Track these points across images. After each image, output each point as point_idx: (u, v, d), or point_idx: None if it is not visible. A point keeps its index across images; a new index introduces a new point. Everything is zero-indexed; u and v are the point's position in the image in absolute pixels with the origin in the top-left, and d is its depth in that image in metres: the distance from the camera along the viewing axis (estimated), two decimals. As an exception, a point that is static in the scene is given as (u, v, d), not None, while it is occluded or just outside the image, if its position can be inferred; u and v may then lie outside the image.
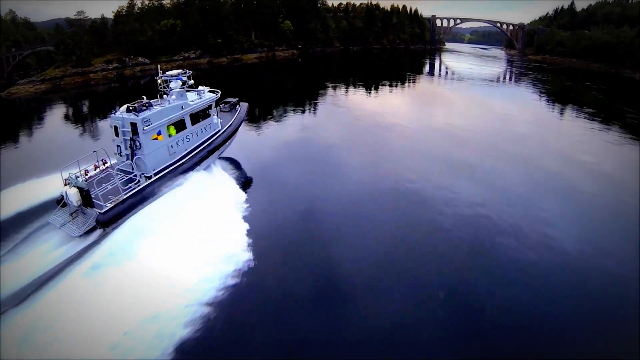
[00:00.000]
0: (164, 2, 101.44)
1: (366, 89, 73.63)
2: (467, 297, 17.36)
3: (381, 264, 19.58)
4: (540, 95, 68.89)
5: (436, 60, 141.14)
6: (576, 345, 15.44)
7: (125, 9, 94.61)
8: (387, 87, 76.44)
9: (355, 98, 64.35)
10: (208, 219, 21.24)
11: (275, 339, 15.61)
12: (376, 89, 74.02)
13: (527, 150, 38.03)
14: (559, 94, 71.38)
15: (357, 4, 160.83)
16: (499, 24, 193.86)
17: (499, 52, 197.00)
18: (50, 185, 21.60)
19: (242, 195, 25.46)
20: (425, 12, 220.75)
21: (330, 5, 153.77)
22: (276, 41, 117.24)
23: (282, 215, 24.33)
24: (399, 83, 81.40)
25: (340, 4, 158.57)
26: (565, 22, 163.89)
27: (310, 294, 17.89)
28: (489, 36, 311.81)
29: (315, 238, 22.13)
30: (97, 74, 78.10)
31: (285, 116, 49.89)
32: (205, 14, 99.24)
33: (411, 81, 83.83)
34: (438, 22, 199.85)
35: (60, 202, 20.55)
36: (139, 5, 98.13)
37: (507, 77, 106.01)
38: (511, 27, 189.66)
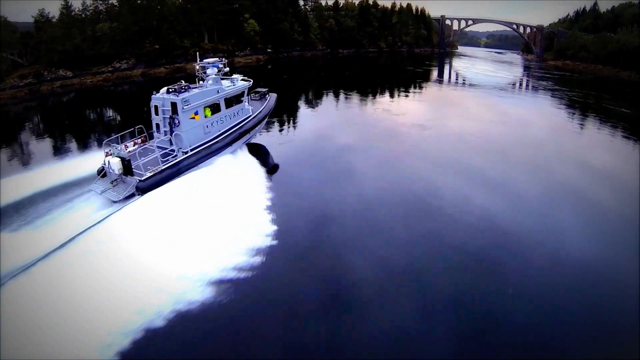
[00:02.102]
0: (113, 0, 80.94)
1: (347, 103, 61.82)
2: (477, 308, 16.64)
3: (392, 271, 18.94)
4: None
5: (439, 66, 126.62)
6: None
7: (58, 11, 76.27)
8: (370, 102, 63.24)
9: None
10: (223, 205, 21.12)
11: (278, 342, 14.91)
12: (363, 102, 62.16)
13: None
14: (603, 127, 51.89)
15: (356, 2, 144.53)
16: (515, 26, 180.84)
17: (515, 57, 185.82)
18: (92, 161, 23.45)
19: (262, 185, 26.00)
20: (434, 12, 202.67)
21: (324, 3, 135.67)
22: (237, 45, 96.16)
23: (293, 214, 23.89)
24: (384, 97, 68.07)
25: (335, 1, 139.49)
26: (588, 24, 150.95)
27: (317, 297, 17.15)
28: (506, 40, 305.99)
29: (325, 239, 21.65)
30: (6, 92, 61.82)
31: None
32: (141, 14, 79.34)
33: (394, 95, 69.52)
34: (448, 23, 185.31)
35: (100, 172, 22.02)
36: (79, 7, 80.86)
37: (523, 86, 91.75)
38: (529, 30, 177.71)
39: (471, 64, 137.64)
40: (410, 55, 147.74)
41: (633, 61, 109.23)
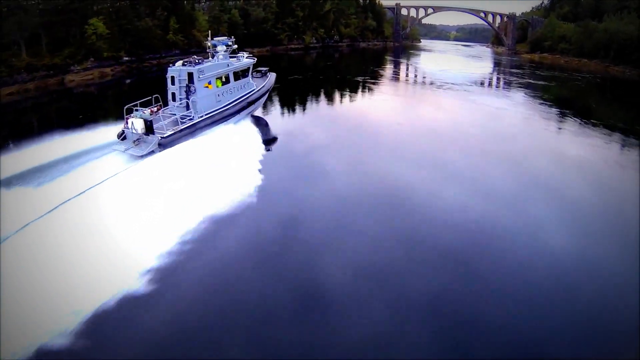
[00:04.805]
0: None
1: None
2: (455, 309, 16.08)
3: (366, 272, 18.28)
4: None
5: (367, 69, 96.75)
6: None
7: None
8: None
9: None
10: (210, 181, 21.53)
11: (249, 342, 14.23)
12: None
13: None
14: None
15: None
16: (482, 14, 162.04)
17: (484, 50, 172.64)
18: (113, 130, 25.23)
19: (254, 160, 26.19)
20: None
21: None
22: (74, 56, 63.94)
23: (267, 212, 22.49)
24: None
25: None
26: (567, 11, 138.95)
27: (288, 300, 16.37)
28: (476, 33, 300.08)
29: (297, 240, 20.58)
30: None
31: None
32: None
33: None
34: (404, 12, 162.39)
35: (120, 136, 24.14)
36: None
37: (491, 88, 71.88)
38: (499, 19, 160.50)
39: (425, 61, 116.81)
40: (354, 52, 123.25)
41: (626, 54, 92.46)
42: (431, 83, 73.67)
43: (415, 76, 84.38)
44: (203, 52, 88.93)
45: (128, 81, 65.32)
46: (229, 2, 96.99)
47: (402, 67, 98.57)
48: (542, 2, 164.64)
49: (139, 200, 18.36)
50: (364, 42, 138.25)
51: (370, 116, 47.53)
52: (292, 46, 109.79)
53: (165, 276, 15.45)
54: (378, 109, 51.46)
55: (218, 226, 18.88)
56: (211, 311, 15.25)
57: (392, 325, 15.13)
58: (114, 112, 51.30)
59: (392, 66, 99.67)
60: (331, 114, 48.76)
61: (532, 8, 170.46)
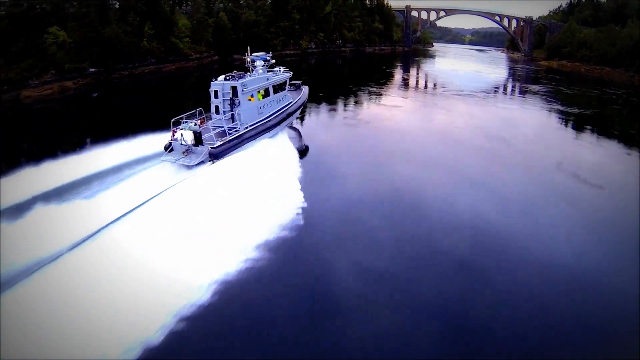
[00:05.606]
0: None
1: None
2: (466, 316, 16.69)
3: (378, 278, 18.96)
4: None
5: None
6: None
7: None
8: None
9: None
10: (241, 199, 21.43)
11: (262, 347, 14.85)
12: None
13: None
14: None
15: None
16: (497, 18, 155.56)
17: (498, 55, 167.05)
18: (160, 140, 25.63)
19: (285, 177, 25.92)
20: (398, 2, 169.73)
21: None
22: (32, 69, 57.93)
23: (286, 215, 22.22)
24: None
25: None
26: (587, 15, 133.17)
27: (301, 307, 17.09)
28: (491, 37, 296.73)
29: (310, 243, 21.34)
30: None
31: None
32: None
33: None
34: (415, 15, 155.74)
35: (168, 147, 24.73)
36: None
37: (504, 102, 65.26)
38: (515, 23, 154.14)
39: (430, 69, 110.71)
40: (358, 58, 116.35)
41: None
42: (441, 94, 69.87)
43: (425, 90, 78.45)
44: (185, 61, 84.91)
45: (95, 95, 59.04)
46: (219, 4, 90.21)
47: (406, 80, 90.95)
48: (561, 6, 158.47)
49: (191, 215, 18.64)
50: (370, 47, 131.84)
51: (387, 126, 48.16)
52: (288, 52, 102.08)
53: (210, 291, 15.50)
54: (393, 121, 51.20)
55: (264, 241, 18.64)
56: (227, 315, 15.63)
57: (402, 329, 15.62)
58: (77, 132, 45.04)
59: (391, 78, 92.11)
60: (353, 124, 49.20)
61: (550, 12, 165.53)
